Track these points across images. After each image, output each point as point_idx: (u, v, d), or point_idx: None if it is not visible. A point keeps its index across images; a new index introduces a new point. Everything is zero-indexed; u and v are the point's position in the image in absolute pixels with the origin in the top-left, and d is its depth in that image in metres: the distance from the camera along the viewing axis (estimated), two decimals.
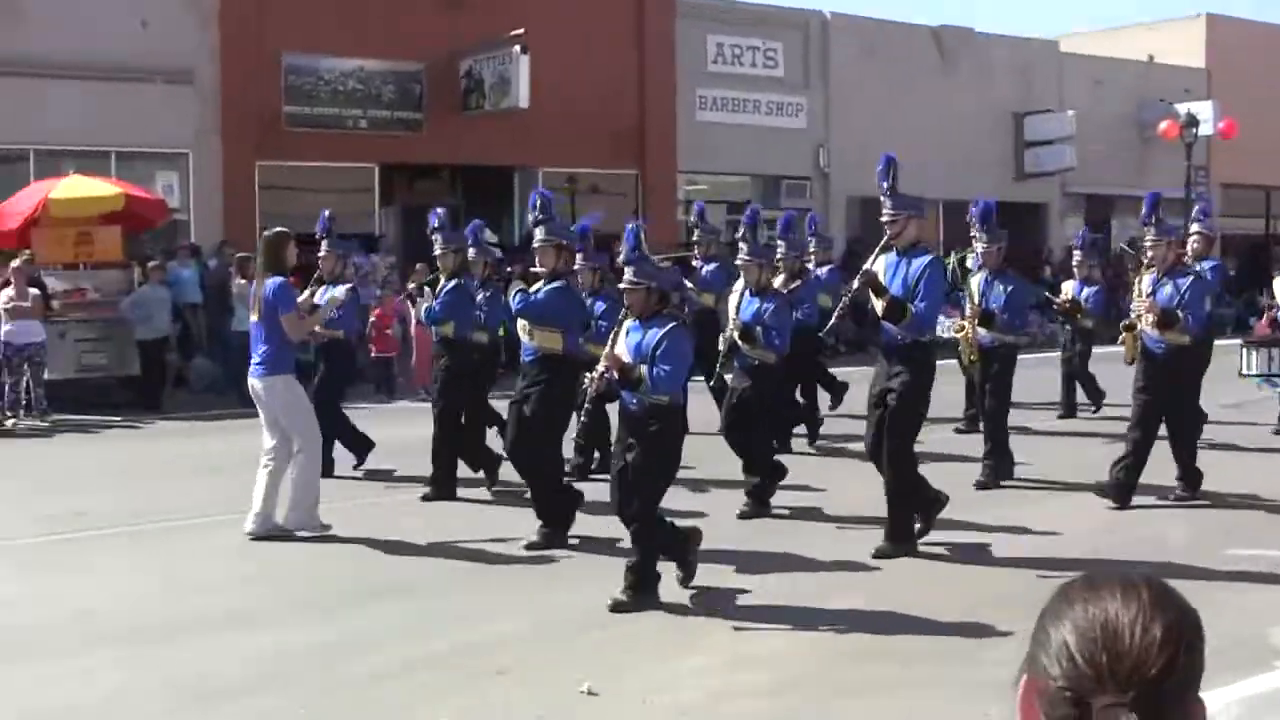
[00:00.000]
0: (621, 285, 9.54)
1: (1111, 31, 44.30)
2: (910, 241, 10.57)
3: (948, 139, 34.42)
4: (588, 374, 9.50)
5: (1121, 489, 12.31)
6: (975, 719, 6.68)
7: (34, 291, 19.85)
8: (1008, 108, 36.96)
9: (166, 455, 16.10)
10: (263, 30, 25.88)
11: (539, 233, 11.36)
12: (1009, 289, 13.95)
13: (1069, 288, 18.46)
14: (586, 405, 9.83)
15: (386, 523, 11.99)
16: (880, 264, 10.52)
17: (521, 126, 27.58)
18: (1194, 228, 16.03)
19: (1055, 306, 18.82)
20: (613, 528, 9.95)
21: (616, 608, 8.90)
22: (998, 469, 13.81)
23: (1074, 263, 18.37)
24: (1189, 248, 15.49)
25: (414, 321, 16.10)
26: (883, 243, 10.62)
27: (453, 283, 13.42)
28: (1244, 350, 16.77)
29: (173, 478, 14.63)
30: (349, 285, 14.40)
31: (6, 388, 19.49)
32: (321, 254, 14.49)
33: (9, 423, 19.16)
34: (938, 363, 10.83)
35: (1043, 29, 61.89)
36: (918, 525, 10.74)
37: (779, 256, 15.31)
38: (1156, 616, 1.85)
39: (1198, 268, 14.97)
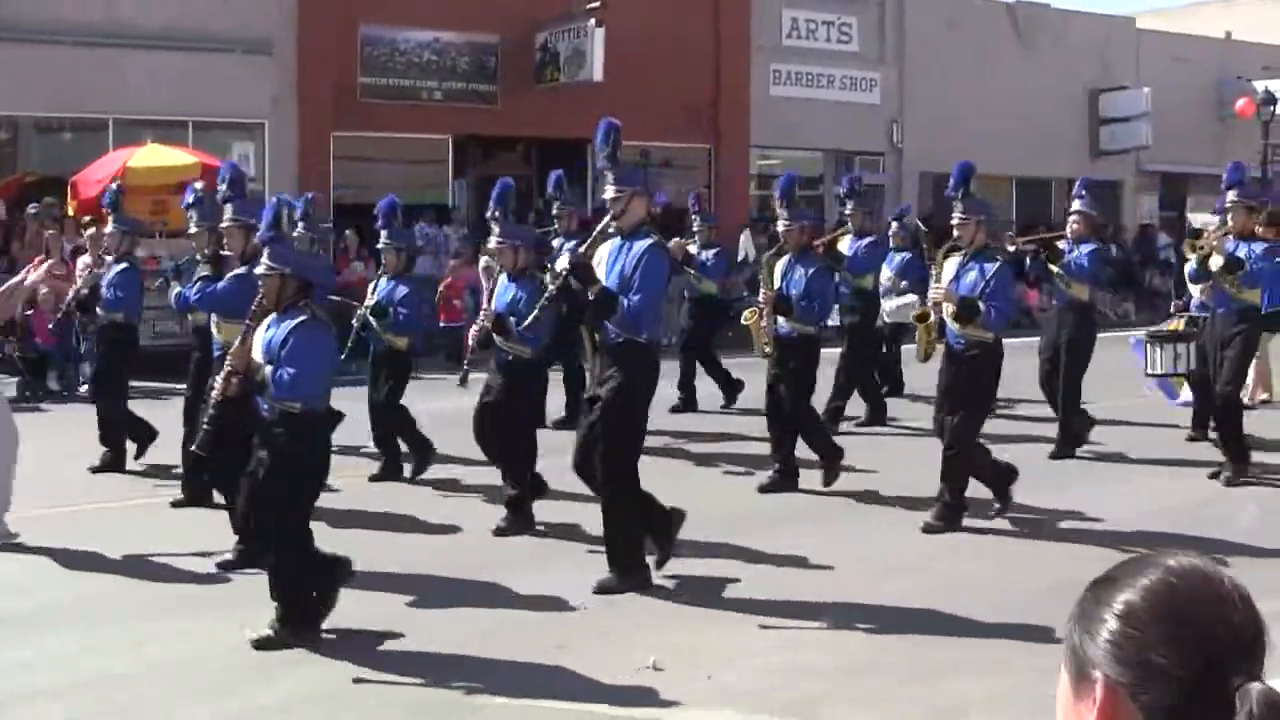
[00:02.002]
0: (258, 271, 8.33)
1: (1189, 8, 43.85)
2: (635, 223, 9.12)
3: (1023, 115, 34.19)
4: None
5: (949, 512, 10.71)
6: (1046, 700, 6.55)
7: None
8: (1083, 84, 36.61)
9: None
10: (340, 1, 25.99)
11: (227, 211, 10.24)
12: (810, 272, 12.17)
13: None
14: (210, 411, 8.32)
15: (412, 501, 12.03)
16: (605, 249, 9.18)
17: (595, 99, 27.43)
18: (1074, 205, 14.45)
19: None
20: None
21: (261, 644, 7.82)
22: (831, 460, 12.29)
23: (1022, 246, 15.53)
24: (1068, 229, 14.41)
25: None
26: (603, 223, 9.31)
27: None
28: (1148, 346, 15.21)
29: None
30: (124, 266, 13.35)
31: (81, 353, 19.71)
32: (108, 230, 13.53)
33: (83, 388, 19.35)
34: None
35: (1119, 5, 61.08)
36: (655, 558, 9.28)
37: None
38: (1235, 584, 1.81)
39: (1075, 252, 13.98)
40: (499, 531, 10.63)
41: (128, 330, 13.63)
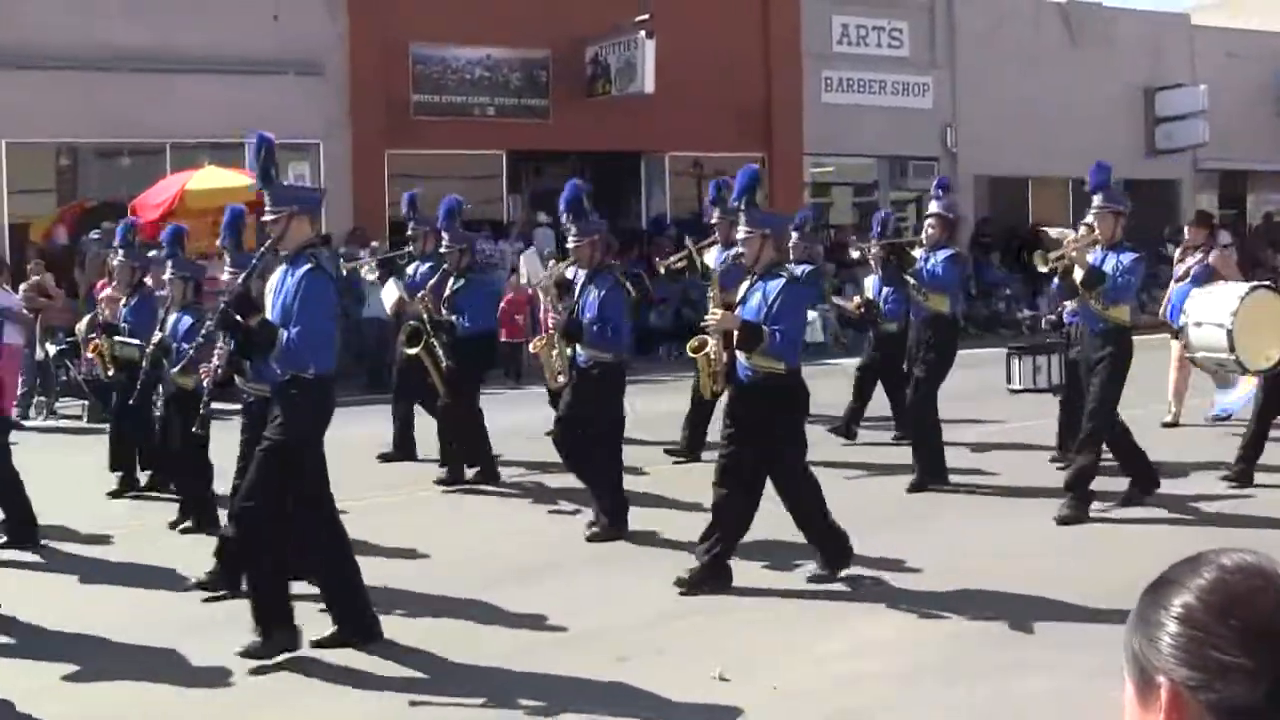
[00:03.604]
0: None
1: (1245, 1, 43.36)
2: (297, 246, 8.23)
3: (1076, 116, 33.94)
4: None
5: (711, 572, 9.21)
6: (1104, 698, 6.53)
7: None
8: (1138, 83, 36.29)
9: None
10: (391, 21, 26.20)
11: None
12: (603, 293, 10.83)
13: (869, 285, 15.00)
14: None
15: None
16: (275, 278, 8.38)
17: (647, 111, 27.64)
18: (932, 207, 13.06)
19: (846, 313, 15.14)
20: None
21: None
22: (615, 517, 10.92)
23: (870, 254, 14.54)
24: (923, 233, 13.04)
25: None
26: (263, 249, 8.50)
27: None
28: (1009, 359, 14.38)
29: None
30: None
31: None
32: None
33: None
34: None
35: (1173, 1, 60.52)
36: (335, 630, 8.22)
37: (442, 250, 13.35)
38: None
39: (931, 258, 12.69)
40: (197, 585, 9.60)
41: None
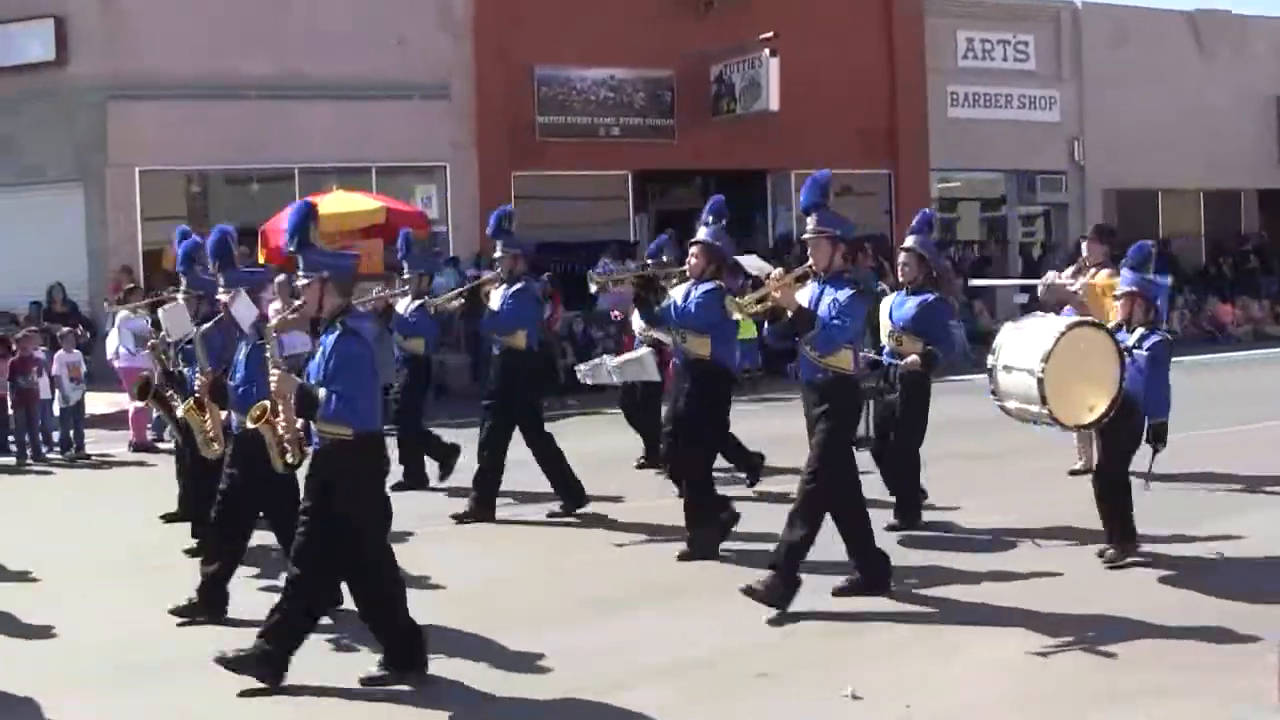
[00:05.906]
0: None
1: None
2: None
3: (1206, 126, 33.50)
4: None
5: (406, 661, 7.74)
6: None
7: (298, 303, 20.37)
8: (1269, 91, 35.65)
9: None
10: (515, 43, 26.38)
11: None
12: (250, 350, 9.28)
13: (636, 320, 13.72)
14: None
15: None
16: None
17: (772, 129, 27.54)
18: (700, 233, 10.94)
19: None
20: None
21: None
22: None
23: (611, 287, 13.59)
24: (688, 263, 10.94)
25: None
26: None
27: None
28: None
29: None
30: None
31: None
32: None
33: None
34: None
35: None
36: None
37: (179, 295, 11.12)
38: None
39: (691, 293, 10.72)
40: None
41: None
